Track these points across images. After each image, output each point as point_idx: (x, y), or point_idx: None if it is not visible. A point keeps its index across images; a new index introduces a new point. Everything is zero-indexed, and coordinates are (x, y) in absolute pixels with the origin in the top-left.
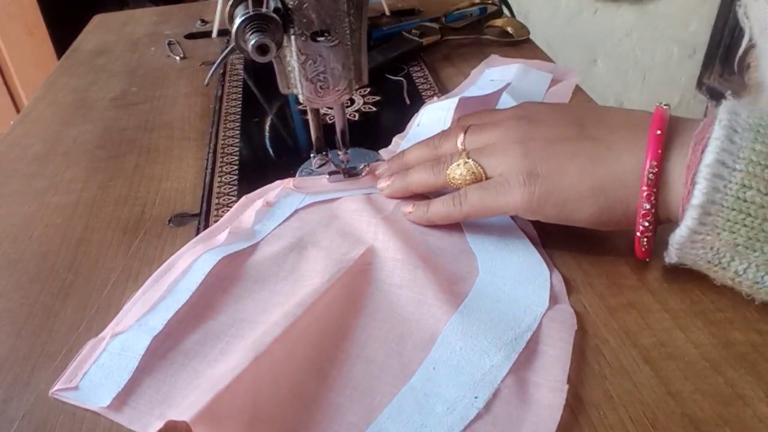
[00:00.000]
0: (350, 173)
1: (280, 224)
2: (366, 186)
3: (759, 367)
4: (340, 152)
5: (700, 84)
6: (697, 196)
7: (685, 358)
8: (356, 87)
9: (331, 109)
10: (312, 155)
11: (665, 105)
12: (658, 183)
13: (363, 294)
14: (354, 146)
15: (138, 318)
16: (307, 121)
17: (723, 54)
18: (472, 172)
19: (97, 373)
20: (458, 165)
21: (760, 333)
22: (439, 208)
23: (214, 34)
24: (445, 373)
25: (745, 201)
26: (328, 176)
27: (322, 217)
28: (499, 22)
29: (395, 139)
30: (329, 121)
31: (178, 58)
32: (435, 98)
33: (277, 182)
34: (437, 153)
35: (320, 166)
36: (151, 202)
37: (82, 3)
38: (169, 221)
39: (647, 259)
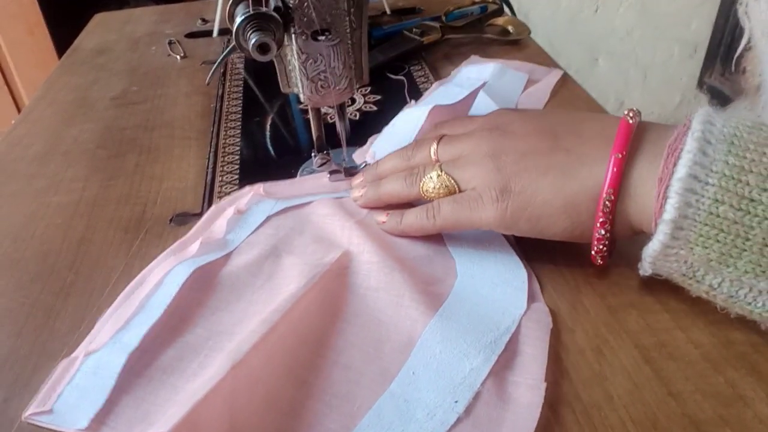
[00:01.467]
0: (351, 172)
1: (253, 232)
2: (337, 190)
3: (760, 367)
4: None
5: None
6: (669, 211)
7: (686, 358)
8: (357, 86)
9: (332, 108)
10: (313, 154)
11: (631, 115)
12: (614, 210)
13: (339, 299)
14: (354, 146)
15: (112, 335)
16: (308, 120)
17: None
18: (446, 186)
19: (72, 395)
20: (431, 177)
21: (761, 333)
22: (412, 220)
23: (215, 33)
24: (425, 377)
25: (718, 216)
26: (329, 175)
27: (296, 222)
28: (500, 20)
29: (370, 139)
30: (330, 120)
31: (178, 57)
32: (412, 102)
33: (247, 188)
34: (410, 164)
35: (321, 165)
36: (152, 202)
37: (83, 2)
38: (171, 221)
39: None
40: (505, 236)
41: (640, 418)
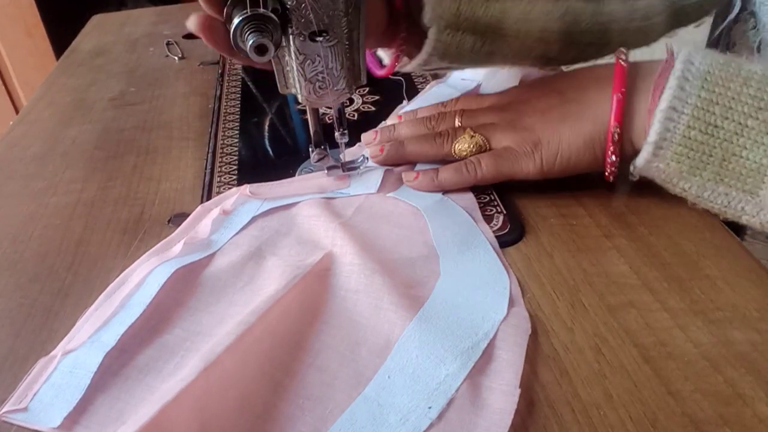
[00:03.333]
0: (349, 168)
1: (237, 233)
2: (323, 190)
3: (759, 366)
4: (337, 132)
5: None
6: (652, 134)
7: (685, 357)
8: (355, 87)
9: (330, 108)
10: (311, 149)
11: (624, 58)
12: (621, 138)
13: (318, 300)
14: (352, 146)
15: (90, 334)
16: (306, 120)
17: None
18: (479, 145)
19: (47, 393)
20: (464, 138)
21: (760, 332)
22: (450, 175)
23: None
24: (401, 382)
25: (689, 138)
26: (326, 171)
27: (281, 224)
28: None
29: (359, 143)
30: (328, 121)
31: (176, 58)
32: (405, 102)
33: (233, 190)
34: (436, 130)
35: (318, 161)
36: (150, 203)
37: (81, 3)
38: (169, 221)
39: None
40: (491, 242)
41: (639, 417)
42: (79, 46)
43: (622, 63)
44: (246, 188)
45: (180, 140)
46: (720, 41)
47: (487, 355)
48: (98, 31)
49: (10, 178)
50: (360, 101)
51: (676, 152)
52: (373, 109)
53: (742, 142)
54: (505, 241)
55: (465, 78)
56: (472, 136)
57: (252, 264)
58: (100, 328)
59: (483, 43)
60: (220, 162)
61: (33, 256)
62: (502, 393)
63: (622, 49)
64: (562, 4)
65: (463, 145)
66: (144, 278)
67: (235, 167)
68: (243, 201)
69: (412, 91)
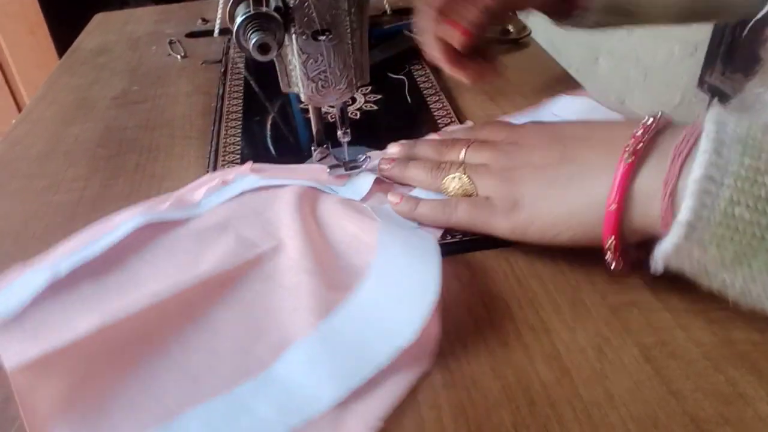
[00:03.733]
0: (351, 166)
1: (222, 203)
2: (319, 182)
3: (760, 365)
4: (339, 131)
5: (701, 82)
6: (684, 213)
7: (686, 356)
8: (357, 86)
9: (333, 107)
10: (313, 148)
11: (646, 127)
12: (618, 220)
13: (244, 288)
14: (354, 145)
15: (52, 261)
16: (308, 119)
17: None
18: (465, 189)
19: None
20: (454, 177)
21: (762, 332)
22: (427, 212)
23: (216, 33)
24: (273, 391)
25: (734, 217)
26: (329, 169)
27: (260, 203)
28: None
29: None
30: (331, 120)
31: (179, 56)
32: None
33: (240, 166)
34: (440, 158)
35: (321, 160)
36: None
37: (83, 2)
38: None
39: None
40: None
41: (640, 416)
42: (81, 44)
43: (650, 123)
44: (249, 165)
45: (182, 139)
46: (737, 48)
47: (371, 380)
48: (101, 29)
49: (12, 176)
50: (362, 100)
51: (716, 234)
52: (376, 108)
53: None
54: (508, 240)
55: (556, 114)
56: (461, 178)
57: (212, 234)
58: (58, 259)
59: (620, 21)
60: (222, 161)
61: (36, 254)
62: (364, 423)
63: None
64: None
65: (450, 183)
66: (118, 224)
67: (237, 166)
68: (243, 175)
69: (414, 91)
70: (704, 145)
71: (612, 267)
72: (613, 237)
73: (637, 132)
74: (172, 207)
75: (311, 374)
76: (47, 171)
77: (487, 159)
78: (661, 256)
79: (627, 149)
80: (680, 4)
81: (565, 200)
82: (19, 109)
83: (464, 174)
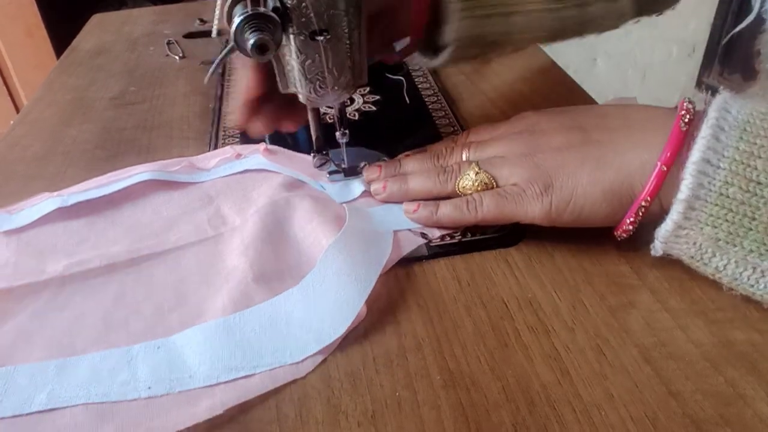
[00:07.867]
0: (350, 172)
1: (226, 175)
2: (314, 177)
3: (760, 366)
4: (338, 133)
5: (699, 83)
6: (683, 191)
7: (686, 357)
8: (356, 86)
9: (331, 108)
10: (312, 155)
11: (687, 120)
12: (647, 213)
13: (185, 253)
14: (354, 146)
15: (61, 193)
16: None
17: (722, 53)
18: (484, 183)
19: None
20: (468, 175)
21: (761, 332)
22: (449, 211)
23: (214, 33)
24: (158, 358)
25: (728, 197)
26: (327, 175)
27: (250, 183)
28: None
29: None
30: (329, 121)
31: (177, 57)
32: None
33: (255, 145)
34: (442, 164)
35: (320, 166)
36: None
37: (81, 3)
38: None
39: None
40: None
41: (640, 417)
42: (79, 45)
43: (683, 128)
44: (262, 146)
45: (180, 140)
46: (735, 49)
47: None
48: (98, 30)
49: (10, 177)
50: (361, 101)
51: (711, 213)
52: (374, 108)
53: None
54: (507, 241)
55: None
56: (477, 173)
57: (195, 204)
58: (71, 193)
59: (485, 52)
60: None
61: None
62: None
63: (690, 103)
64: (555, 15)
65: (467, 182)
66: (131, 174)
67: (253, 144)
68: (255, 153)
69: (413, 91)
70: (704, 131)
71: (621, 231)
72: (633, 225)
73: (686, 105)
74: (183, 169)
75: (196, 355)
76: (45, 172)
77: (500, 151)
78: (661, 235)
79: (682, 117)
80: (552, 26)
81: (599, 179)
82: (17, 110)
83: (479, 169)
